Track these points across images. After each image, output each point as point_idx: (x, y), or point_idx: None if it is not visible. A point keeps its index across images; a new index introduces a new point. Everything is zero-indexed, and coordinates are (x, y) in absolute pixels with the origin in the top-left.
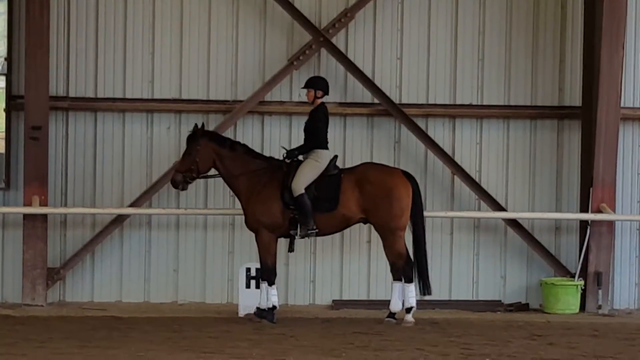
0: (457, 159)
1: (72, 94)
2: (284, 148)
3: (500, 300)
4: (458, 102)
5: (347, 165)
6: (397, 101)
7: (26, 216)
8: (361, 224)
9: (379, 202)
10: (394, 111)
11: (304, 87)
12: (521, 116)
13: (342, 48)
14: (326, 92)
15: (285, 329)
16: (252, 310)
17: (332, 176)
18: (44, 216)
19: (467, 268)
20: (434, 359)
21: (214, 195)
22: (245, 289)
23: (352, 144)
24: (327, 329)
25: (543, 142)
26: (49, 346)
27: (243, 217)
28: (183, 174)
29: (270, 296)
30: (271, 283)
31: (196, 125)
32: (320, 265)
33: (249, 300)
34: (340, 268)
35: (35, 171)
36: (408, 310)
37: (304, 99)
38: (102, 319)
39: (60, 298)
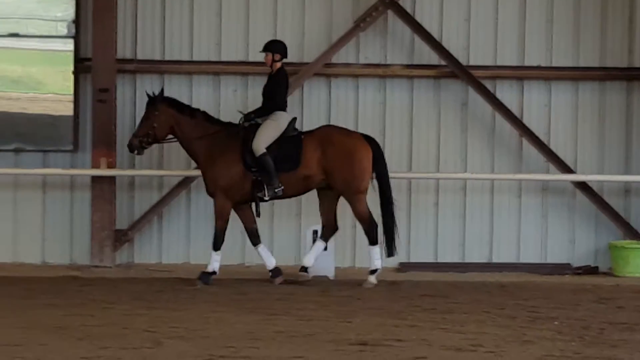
0: (525, 121)
1: (139, 57)
2: (241, 112)
3: (568, 264)
4: (526, 64)
5: (424, 133)
6: (464, 63)
7: (94, 178)
8: None
9: (339, 163)
10: (461, 73)
11: (262, 51)
12: (590, 78)
13: (409, 9)
14: (284, 56)
15: (352, 291)
16: (319, 272)
17: (293, 137)
18: (112, 178)
19: (535, 231)
20: (501, 322)
21: None
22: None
23: (418, 107)
24: (393, 292)
25: (612, 104)
26: (117, 307)
27: None
28: (140, 139)
29: (212, 261)
30: (217, 249)
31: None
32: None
33: (316, 262)
34: (408, 230)
35: (102, 133)
36: (372, 272)
37: (371, 61)
38: (169, 280)
39: (127, 260)
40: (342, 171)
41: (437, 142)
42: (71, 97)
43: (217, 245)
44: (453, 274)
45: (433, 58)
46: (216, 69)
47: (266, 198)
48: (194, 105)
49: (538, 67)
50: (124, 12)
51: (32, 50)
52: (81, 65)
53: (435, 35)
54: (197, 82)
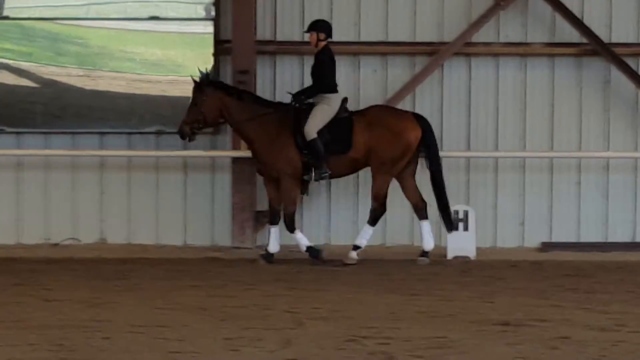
0: None
1: (279, 38)
2: (290, 93)
3: None
4: None
5: (565, 112)
6: (606, 40)
7: (234, 160)
8: None
9: (384, 142)
10: (603, 51)
11: (306, 31)
12: None
13: None
14: (329, 35)
15: (494, 271)
16: (460, 253)
17: (344, 119)
18: (252, 159)
19: None
20: None
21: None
22: (453, 232)
23: (559, 86)
24: (535, 272)
25: None
26: (258, 288)
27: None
28: (190, 125)
29: (299, 240)
30: (292, 230)
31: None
32: (530, 207)
33: (457, 243)
34: (549, 210)
35: None
36: (355, 247)
37: (511, 39)
38: (310, 261)
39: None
40: (383, 151)
41: (579, 121)
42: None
43: (291, 227)
44: (596, 253)
45: (574, 36)
46: (355, 49)
47: (312, 181)
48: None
49: None
50: None
51: (171, 33)
52: (221, 48)
53: (576, 12)
54: (337, 62)
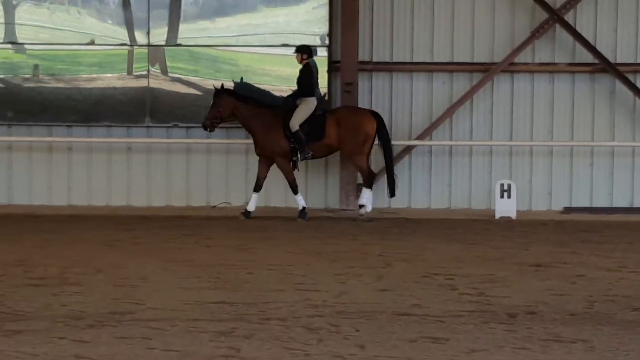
0: None
1: (374, 59)
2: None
3: None
4: None
5: (582, 113)
6: (612, 61)
7: None
8: None
9: (349, 133)
10: (610, 69)
11: (293, 52)
12: None
13: (570, 22)
14: (310, 55)
15: (529, 227)
16: (504, 214)
17: (319, 116)
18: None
19: None
20: None
21: (482, 128)
22: (500, 199)
23: (578, 94)
24: (559, 228)
25: None
26: (359, 239)
27: (465, 147)
28: (211, 120)
29: (298, 201)
30: (295, 192)
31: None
32: (555, 181)
33: (503, 206)
34: (570, 183)
35: None
36: (360, 206)
37: (543, 60)
38: (395, 220)
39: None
40: (350, 139)
41: (592, 120)
42: (326, 89)
43: (295, 190)
44: (604, 215)
45: (589, 57)
46: (429, 68)
47: (299, 160)
48: (415, 95)
49: None
50: (363, 27)
51: None
52: (333, 66)
53: (590, 40)
54: (416, 78)
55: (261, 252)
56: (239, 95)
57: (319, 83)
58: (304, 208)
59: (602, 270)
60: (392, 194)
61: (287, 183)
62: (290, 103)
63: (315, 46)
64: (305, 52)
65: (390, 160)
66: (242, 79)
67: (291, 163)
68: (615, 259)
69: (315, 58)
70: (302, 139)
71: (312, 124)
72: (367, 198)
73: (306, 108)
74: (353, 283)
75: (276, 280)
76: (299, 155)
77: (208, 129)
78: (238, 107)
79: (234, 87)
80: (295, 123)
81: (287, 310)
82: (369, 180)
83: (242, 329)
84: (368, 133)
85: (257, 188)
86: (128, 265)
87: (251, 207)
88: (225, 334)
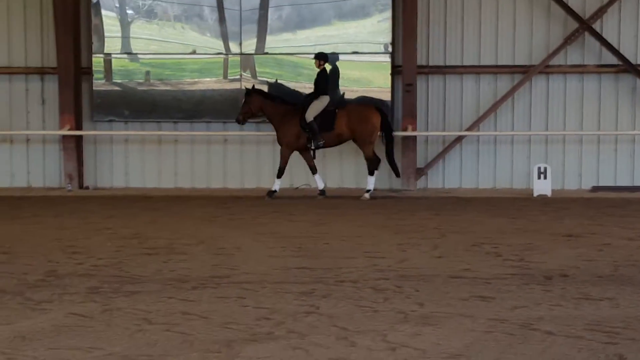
0: None
1: (430, 63)
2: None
3: None
4: None
5: (609, 107)
6: (634, 62)
7: (403, 137)
8: None
9: (358, 124)
10: (632, 69)
11: (313, 59)
12: None
13: (598, 30)
14: (326, 61)
15: (562, 204)
16: (541, 192)
17: (330, 111)
18: (414, 137)
19: None
20: None
21: (522, 120)
22: (537, 180)
23: (604, 92)
24: (587, 204)
25: None
26: (417, 215)
27: (507, 137)
28: (243, 115)
29: (277, 183)
30: (279, 176)
31: (253, 85)
32: (585, 164)
33: (540, 186)
34: (597, 166)
35: (408, 111)
36: (367, 191)
37: (574, 62)
38: (448, 198)
39: (423, 186)
40: (359, 130)
41: (616, 113)
42: (389, 90)
43: (280, 174)
44: (626, 193)
45: (613, 60)
46: (477, 70)
47: (313, 148)
48: (464, 93)
49: None
50: (420, 36)
51: (365, 62)
52: (395, 70)
53: (615, 45)
54: (465, 79)
55: (335, 226)
56: (267, 94)
57: (339, 84)
58: (275, 191)
59: (625, 240)
60: (397, 174)
61: (353, 167)
62: (309, 101)
63: (381, 53)
64: (322, 58)
65: (391, 147)
66: (276, 80)
67: (311, 152)
68: (636, 230)
69: (381, 63)
70: (315, 129)
71: (325, 117)
72: (372, 183)
73: (320, 103)
74: (413, 251)
75: (348, 249)
76: (312, 144)
77: (241, 123)
78: (265, 104)
79: (269, 87)
80: (310, 115)
81: (357, 274)
82: (375, 166)
83: (320, 290)
84: (374, 124)
85: (314, 170)
86: (225, 237)
87: (320, 185)
88: (306, 294)
